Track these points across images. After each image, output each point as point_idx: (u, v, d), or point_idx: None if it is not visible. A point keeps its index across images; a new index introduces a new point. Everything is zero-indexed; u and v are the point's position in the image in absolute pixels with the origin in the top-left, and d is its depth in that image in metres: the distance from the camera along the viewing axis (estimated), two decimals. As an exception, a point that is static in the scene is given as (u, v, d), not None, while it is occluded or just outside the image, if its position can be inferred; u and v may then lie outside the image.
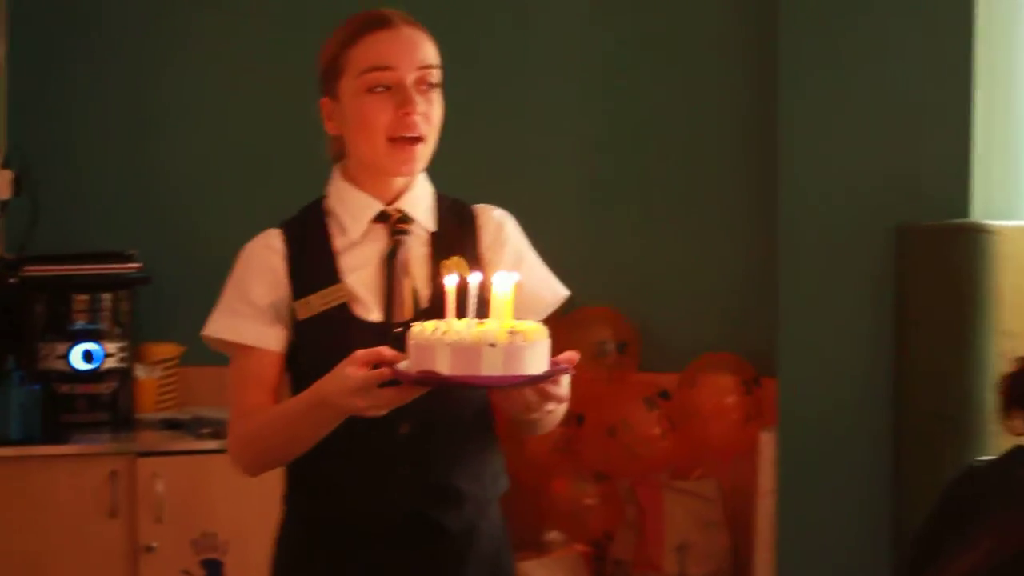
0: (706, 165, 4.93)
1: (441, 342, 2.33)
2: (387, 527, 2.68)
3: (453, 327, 2.35)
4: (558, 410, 2.61)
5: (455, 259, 2.74)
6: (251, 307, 2.74)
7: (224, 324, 2.75)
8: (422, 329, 2.38)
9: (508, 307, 2.39)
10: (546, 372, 2.39)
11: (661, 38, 4.98)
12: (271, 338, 2.73)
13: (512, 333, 2.34)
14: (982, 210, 4.06)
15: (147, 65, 5.25)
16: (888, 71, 4.16)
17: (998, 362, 3.84)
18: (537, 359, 2.37)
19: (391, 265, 2.72)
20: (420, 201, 2.77)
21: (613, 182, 5.04)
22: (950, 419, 3.93)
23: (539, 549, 4.80)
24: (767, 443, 4.51)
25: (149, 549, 4.57)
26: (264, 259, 2.76)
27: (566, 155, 5.07)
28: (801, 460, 4.31)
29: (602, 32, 5.04)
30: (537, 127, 5.07)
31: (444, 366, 2.33)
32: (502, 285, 2.40)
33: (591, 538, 4.88)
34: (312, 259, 2.75)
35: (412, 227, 2.75)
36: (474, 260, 2.75)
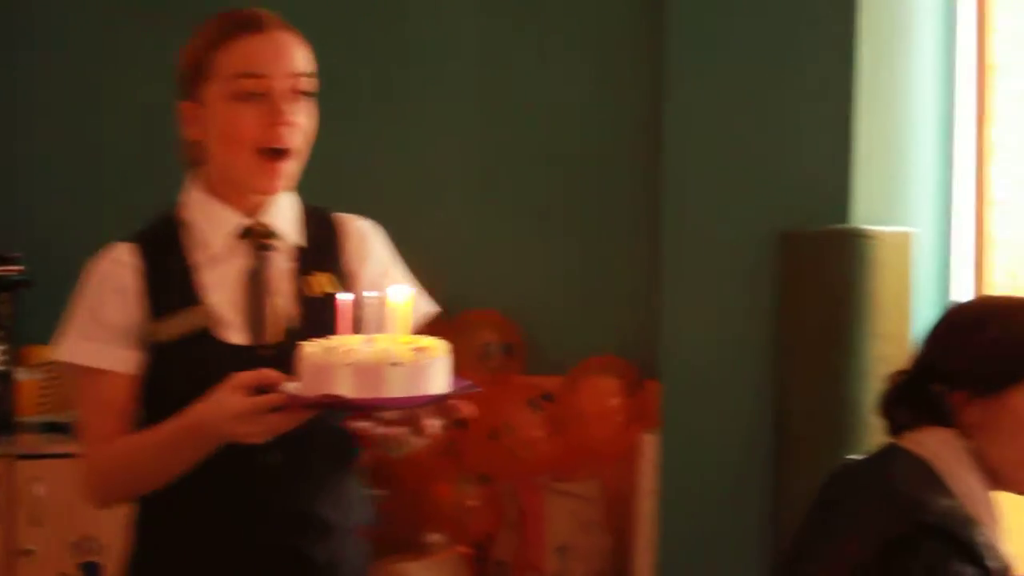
0: (592, 170, 4.95)
1: (341, 363, 2.21)
2: (251, 560, 2.55)
3: (351, 346, 2.24)
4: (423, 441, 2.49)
5: (322, 276, 2.61)
6: (104, 328, 2.56)
7: (76, 348, 2.57)
8: (316, 349, 2.26)
9: (406, 322, 2.29)
10: (454, 391, 2.30)
11: (549, 43, 4.99)
12: (127, 361, 2.56)
13: (417, 351, 2.23)
14: (863, 216, 4.12)
15: (19, 65, 5.20)
16: (772, 79, 4.20)
17: (875, 365, 3.92)
18: (440, 377, 2.27)
19: (256, 283, 2.58)
20: (285, 214, 2.63)
21: (498, 185, 5.04)
22: (829, 421, 3.99)
23: (421, 551, 4.80)
24: (649, 445, 4.55)
25: (27, 552, 4.52)
26: (116, 276, 2.58)
27: (452, 159, 5.07)
28: (682, 462, 4.34)
29: (490, 36, 5.05)
30: (423, 130, 5.07)
31: (345, 388, 2.21)
32: (399, 299, 2.29)
33: (473, 540, 4.88)
34: (169, 277, 2.58)
35: (277, 242, 2.61)
36: (340, 273, 2.63)
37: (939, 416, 2.41)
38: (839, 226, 4.07)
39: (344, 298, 2.34)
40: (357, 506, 2.71)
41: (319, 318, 2.46)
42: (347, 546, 2.67)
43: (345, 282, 2.60)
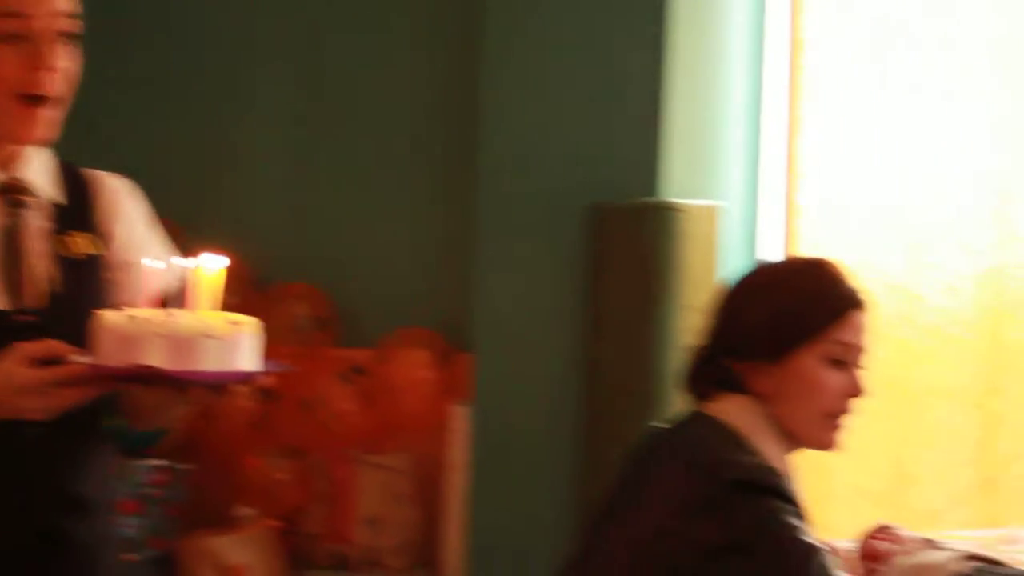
0: (403, 139, 4.93)
1: (152, 333, 2.10)
2: (5, 540, 2.37)
3: (157, 317, 2.14)
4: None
5: (81, 236, 2.45)
6: None
7: None
8: (120, 319, 2.15)
9: (215, 295, 2.19)
10: (268, 369, 2.22)
11: (360, 9, 4.95)
12: None
13: (231, 324, 2.15)
14: (672, 189, 4.16)
15: None
16: (584, 53, 4.22)
17: (684, 336, 3.96)
18: (252, 352, 2.19)
19: (11, 243, 2.40)
20: (40, 168, 2.46)
21: (311, 158, 5.00)
22: (639, 392, 4.02)
23: (229, 525, 4.75)
24: (460, 417, 4.55)
25: None
26: None
27: (261, 128, 5.01)
28: (494, 434, 4.36)
29: (301, 5, 5.00)
30: (237, 101, 5.00)
31: (157, 360, 2.10)
32: (210, 268, 2.20)
33: (283, 513, 4.85)
34: None
35: (32, 199, 2.43)
36: (97, 234, 2.47)
37: (735, 385, 2.44)
38: (648, 199, 4.11)
39: (150, 265, 2.26)
40: (118, 481, 2.59)
41: (81, 282, 2.33)
42: (109, 525, 2.53)
43: (104, 243, 2.47)
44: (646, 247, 4.05)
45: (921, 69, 4.29)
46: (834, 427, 2.47)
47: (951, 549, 2.87)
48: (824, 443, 2.47)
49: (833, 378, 2.43)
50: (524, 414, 4.30)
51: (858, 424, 4.24)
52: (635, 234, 4.08)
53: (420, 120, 4.91)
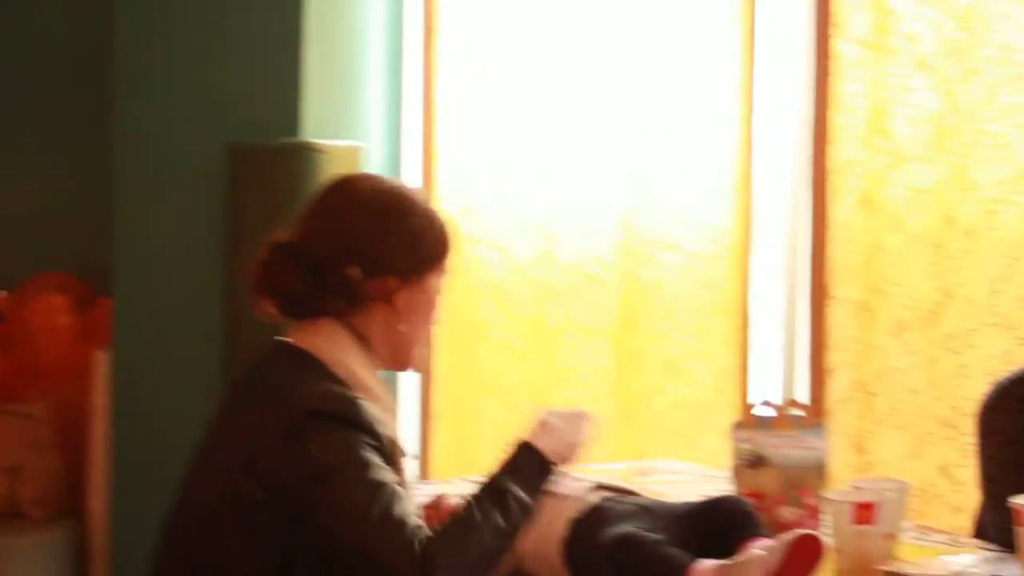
0: (35, 80, 4.84)
1: None
2: None
3: None
4: None
5: None
6: None
7: None
8: None
9: None
10: None
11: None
12: None
13: None
14: (312, 130, 4.16)
15: None
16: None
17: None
18: None
19: None
20: None
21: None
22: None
23: None
24: (101, 362, 4.50)
25: None
26: None
27: None
28: (135, 378, 4.34)
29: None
30: None
31: None
32: None
33: None
34: None
35: None
36: None
37: (354, 300, 2.41)
38: (288, 139, 4.11)
39: None
40: None
41: None
42: None
43: None
44: (286, 187, 4.04)
45: (558, 14, 4.36)
46: (428, 347, 2.54)
47: (582, 480, 2.94)
48: (421, 362, 2.52)
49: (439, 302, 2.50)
50: (165, 357, 4.28)
51: (501, 362, 4.37)
52: (274, 174, 4.07)
53: (54, 60, 4.82)
